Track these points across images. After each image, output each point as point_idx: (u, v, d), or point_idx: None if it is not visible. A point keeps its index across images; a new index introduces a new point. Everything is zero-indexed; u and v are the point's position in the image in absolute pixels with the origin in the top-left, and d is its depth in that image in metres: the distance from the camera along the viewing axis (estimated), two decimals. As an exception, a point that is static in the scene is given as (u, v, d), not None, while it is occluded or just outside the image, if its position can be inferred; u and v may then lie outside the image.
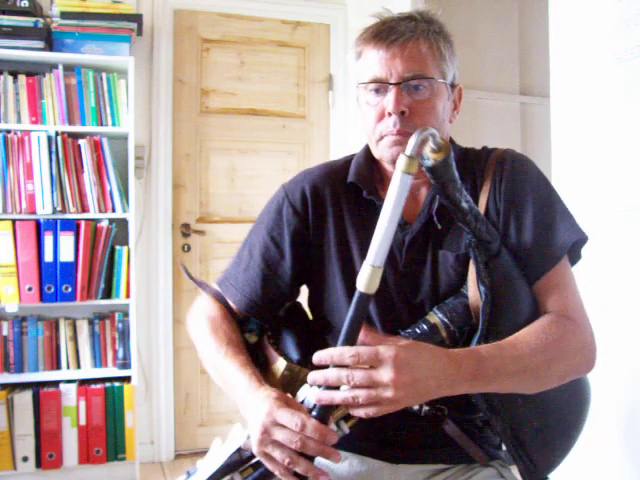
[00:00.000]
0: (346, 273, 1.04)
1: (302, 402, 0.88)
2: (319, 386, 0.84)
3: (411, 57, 0.97)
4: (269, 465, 0.85)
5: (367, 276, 0.81)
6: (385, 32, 0.98)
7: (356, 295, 0.82)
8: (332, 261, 1.06)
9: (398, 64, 0.97)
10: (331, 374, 0.81)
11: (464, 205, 0.93)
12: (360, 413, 0.81)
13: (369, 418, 0.82)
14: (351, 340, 0.82)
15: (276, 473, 0.85)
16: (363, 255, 1.03)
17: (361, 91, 1.02)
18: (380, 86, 0.99)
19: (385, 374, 0.79)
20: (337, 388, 0.82)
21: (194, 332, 1.09)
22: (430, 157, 0.86)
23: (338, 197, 1.07)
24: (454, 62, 1.03)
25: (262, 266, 1.07)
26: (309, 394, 0.88)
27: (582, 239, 1.00)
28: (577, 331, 0.96)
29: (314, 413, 0.84)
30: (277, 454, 0.83)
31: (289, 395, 0.89)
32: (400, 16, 1.01)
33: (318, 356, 0.83)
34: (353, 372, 0.80)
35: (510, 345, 0.90)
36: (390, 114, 0.97)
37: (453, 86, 1.04)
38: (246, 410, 0.90)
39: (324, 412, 0.84)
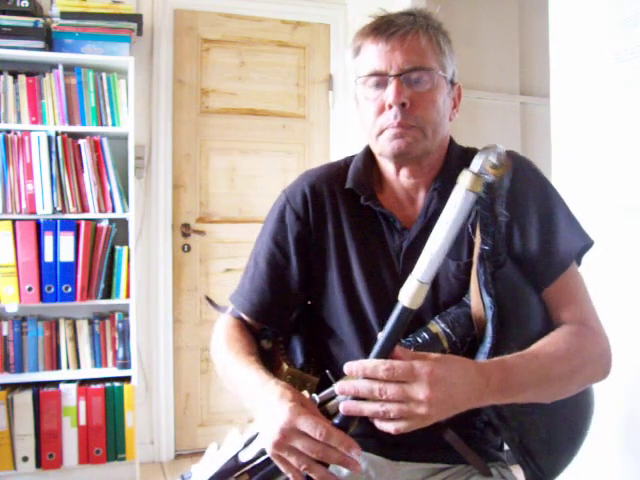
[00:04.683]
0: (344, 278, 1.04)
1: (320, 405, 0.85)
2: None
3: (411, 49, 0.96)
4: (282, 467, 0.83)
5: (413, 290, 0.78)
6: (384, 25, 0.97)
7: (398, 308, 0.80)
8: (331, 266, 1.05)
9: (398, 56, 0.95)
10: (362, 385, 0.79)
11: (501, 219, 0.90)
12: (389, 428, 0.78)
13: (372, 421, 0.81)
14: (386, 353, 0.79)
15: (288, 475, 0.83)
16: (360, 261, 1.02)
17: (360, 87, 1.01)
18: (380, 79, 0.97)
19: (420, 391, 0.76)
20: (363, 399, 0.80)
21: (213, 349, 1.08)
22: (490, 173, 0.82)
23: (336, 200, 1.06)
24: (453, 59, 1.02)
25: (269, 272, 1.06)
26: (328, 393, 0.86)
27: (588, 244, 0.99)
28: (595, 339, 0.96)
29: (336, 421, 0.82)
30: (293, 460, 0.81)
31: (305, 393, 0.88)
32: (398, 12, 1.01)
33: (349, 367, 0.80)
34: (386, 385, 0.77)
35: (533, 356, 0.88)
36: (391, 106, 0.95)
37: (452, 83, 1.03)
38: (256, 404, 0.89)
39: (347, 421, 0.82)
